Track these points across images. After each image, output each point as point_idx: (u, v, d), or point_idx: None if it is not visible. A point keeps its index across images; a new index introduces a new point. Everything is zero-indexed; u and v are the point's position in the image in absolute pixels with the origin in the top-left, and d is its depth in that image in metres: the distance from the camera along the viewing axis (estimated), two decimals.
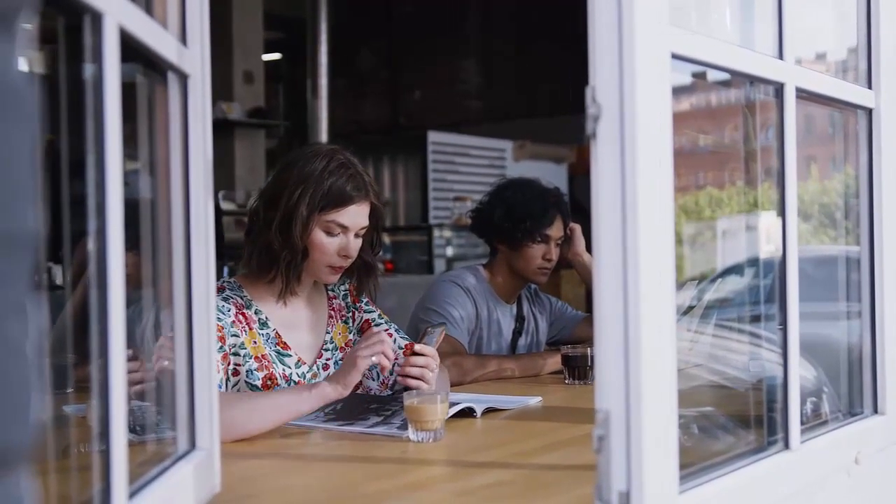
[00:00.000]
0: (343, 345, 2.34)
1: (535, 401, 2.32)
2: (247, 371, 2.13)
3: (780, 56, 1.48)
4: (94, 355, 0.98)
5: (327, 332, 2.33)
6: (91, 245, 0.97)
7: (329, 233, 2.17)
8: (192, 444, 1.34)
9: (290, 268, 2.17)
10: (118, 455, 0.98)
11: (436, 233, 7.31)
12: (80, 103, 0.99)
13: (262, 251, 2.18)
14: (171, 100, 1.31)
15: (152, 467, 1.21)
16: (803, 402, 1.55)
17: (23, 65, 0.56)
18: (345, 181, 2.15)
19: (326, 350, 2.32)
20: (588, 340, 2.95)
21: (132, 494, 1.05)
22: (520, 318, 3.09)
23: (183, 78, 1.31)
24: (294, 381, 2.20)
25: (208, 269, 1.36)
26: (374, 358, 1.95)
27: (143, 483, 1.13)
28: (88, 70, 0.98)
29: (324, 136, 8.28)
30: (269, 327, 2.21)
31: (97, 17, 0.97)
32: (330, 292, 2.38)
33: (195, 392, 1.34)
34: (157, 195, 1.33)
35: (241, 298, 2.20)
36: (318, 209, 2.14)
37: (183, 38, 1.32)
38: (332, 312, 2.36)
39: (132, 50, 1.08)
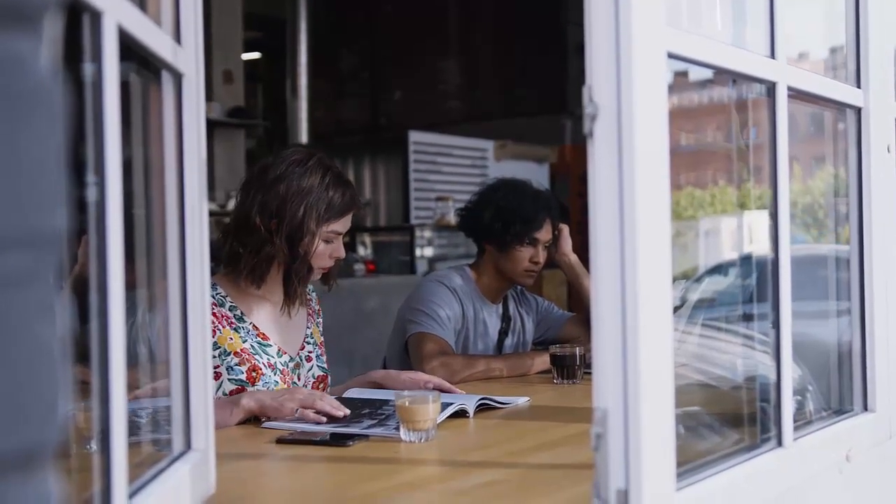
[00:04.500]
0: (319, 342, 2.42)
1: (523, 401, 2.32)
2: (227, 368, 2.14)
3: (772, 55, 1.49)
4: (93, 357, 0.97)
5: (307, 328, 2.39)
6: (91, 244, 0.96)
7: (327, 241, 2.25)
8: (188, 445, 1.33)
9: (301, 281, 2.25)
10: (118, 456, 0.98)
11: (417, 233, 7.29)
12: (79, 102, 0.98)
13: (264, 261, 2.22)
14: (165, 99, 1.30)
15: (146, 468, 1.21)
16: None
17: (49, 63, 0.56)
18: (342, 192, 2.24)
19: (308, 343, 2.37)
20: (574, 340, 2.95)
21: (131, 495, 1.04)
22: (506, 318, 3.09)
23: (177, 77, 1.30)
24: (279, 370, 2.23)
25: (203, 269, 1.35)
26: (298, 412, 1.98)
27: (141, 484, 1.13)
28: (87, 69, 0.97)
29: (304, 137, 8.25)
30: (246, 321, 2.24)
31: (96, 16, 0.96)
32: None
33: (191, 393, 1.33)
34: (151, 195, 1.32)
35: (214, 297, 2.21)
36: (324, 221, 2.22)
37: (177, 37, 1.31)
38: (310, 310, 2.42)
39: (127, 48, 1.07)
